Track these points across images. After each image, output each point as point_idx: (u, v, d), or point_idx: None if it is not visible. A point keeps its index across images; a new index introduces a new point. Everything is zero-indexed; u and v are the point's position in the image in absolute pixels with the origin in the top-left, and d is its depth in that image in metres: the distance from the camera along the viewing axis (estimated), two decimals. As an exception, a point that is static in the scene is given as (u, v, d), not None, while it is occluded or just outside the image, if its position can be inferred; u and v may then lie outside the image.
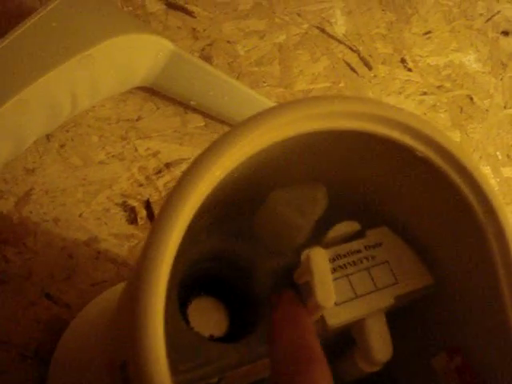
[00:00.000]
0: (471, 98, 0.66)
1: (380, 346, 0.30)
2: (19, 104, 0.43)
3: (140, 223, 0.50)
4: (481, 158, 0.63)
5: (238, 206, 0.29)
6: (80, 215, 0.49)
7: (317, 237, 0.30)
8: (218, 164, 0.22)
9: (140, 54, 0.49)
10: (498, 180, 0.63)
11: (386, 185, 0.29)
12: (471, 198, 0.27)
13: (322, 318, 0.29)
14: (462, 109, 0.65)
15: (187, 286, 0.30)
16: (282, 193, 0.28)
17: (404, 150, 0.26)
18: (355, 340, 0.31)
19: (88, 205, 0.50)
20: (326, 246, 0.30)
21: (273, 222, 0.28)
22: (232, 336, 0.30)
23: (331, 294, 0.26)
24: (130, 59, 0.48)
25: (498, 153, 0.64)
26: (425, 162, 0.26)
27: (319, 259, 0.26)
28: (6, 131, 0.43)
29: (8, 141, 0.44)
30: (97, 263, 0.49)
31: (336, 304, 0.29)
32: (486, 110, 0.66)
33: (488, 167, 0.63)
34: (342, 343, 0.32)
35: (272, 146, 0.24)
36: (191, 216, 0.22)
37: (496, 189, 0.63)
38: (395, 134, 0.25)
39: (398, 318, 0.32)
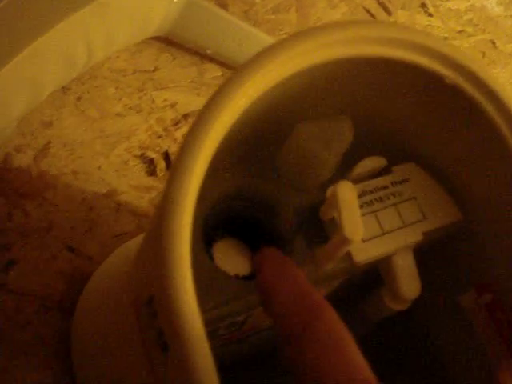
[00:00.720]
0: (494, 43, 0.64)
1: (408, 283, 0.29)
2: (34, 54, 0.42)
3: (159, 175, 0.50)
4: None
5: (262, 143, 0.28)
6: (99, 168, 0.49)
7: (342, 173, 0.29)
8: (241, 92, 0.22)
9: (154, 1, 0.48)
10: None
11: (414, 117, 0.28)
12: (504, 127, 0.26)
13: (349, 255, 0.28)
14: (484, 54, 0.63)
15: (212, 227, 0.30)
16: (307, 126, 0.27)
17: (433, 78, 0.25)
18: (382, 278, 0.30)
19: (106, 157, 0.49)
20: (353, 183, 0.29)
21: (298, 157, 0.28)
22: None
23: (359, 227, 0.25)
24: (144, 7, 0.47)
25: (522, 98, 0.63)
26: (454, 89, 0.25)
27: (346, 192, 0.26)
28: (21, 82, 0.43)
29: (24, 92, 0.44)
30: (117, 215, 0.48)
31: (363, 240, 0.28)
32: (509, 55, 0.64)
33: (512, 113, 0.61)
34: (369, 282, 0.31)
35: (296, 75, 0.23)
36: (215, 148, 0.21)
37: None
38: (423, 61, 0.25)
39: (426, 255, 0.31)
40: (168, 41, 0.53)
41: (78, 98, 0.51)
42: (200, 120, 0.21)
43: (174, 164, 0.21)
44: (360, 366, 0.22)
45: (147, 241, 0.24)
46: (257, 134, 0.27)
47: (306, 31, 0.23)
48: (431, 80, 0.25)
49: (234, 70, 0.22)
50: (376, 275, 0.31)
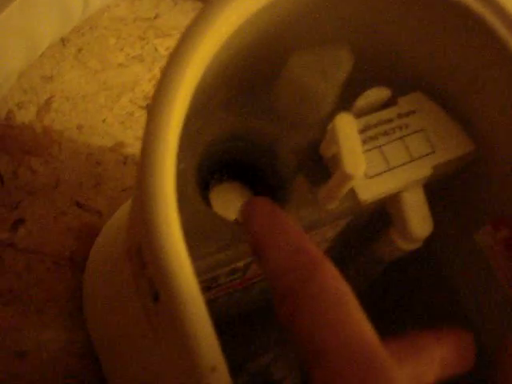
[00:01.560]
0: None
1: (418, 220, 0.28)
2: (26, 4, 0.41)
3: (165, 124, 0.48)
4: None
5: (256, 78, 0.27)
6: (103, 121, 0.47)
7: (344, 107, 0.27)
8: (222, 19, 0.20)
9: None
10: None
11: (419, 41, 0.26)
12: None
13: (354, 194, 0.27)
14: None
15: (208, 171, 0.28)
16: (301, 56, 0.25)
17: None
18: (391, 216, 0.29)
19: (111, 109, 0.48)
20: (355, 117, 0.27)
21: (294, 90, 0.26)
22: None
23: (360, 161, 0.23)
24: (139, -51, 0.45)
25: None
26: (459, 7, 0.23)
27: (346, 125, 0.24)
28: (14, 34, 0.41)
29: (19, 44, 0.42)
30: (124, 168, 0.47)
31: (368, 177, 0.27)
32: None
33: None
34: (380, 221, 0.30)
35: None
36: (196, 80, 0.20)
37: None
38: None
39: (437, 191, 0.29)
40: (168, -14, 0.51)
41: (79, 50, 0.49)
42: (178, 50, 0.20)
43: (153, 99, 0.20)
44: (359, 326, 0.20)
45: (135, 187, 0.22)
46: (250, 69, 0.26)
47: None
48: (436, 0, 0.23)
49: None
50: (385, 214, 0.29)
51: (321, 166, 0.27)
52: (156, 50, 0.51)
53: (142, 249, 0.21)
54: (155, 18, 0.51)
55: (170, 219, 0.19)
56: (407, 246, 0.29)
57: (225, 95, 0.26)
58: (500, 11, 0.23)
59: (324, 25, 0.24)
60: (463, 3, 0.23)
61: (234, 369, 0.26)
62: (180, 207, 0.21)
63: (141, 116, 0.48)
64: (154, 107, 0.20)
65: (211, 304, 0.29)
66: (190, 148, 0.25)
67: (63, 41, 0.48)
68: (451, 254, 0.32)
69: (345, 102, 0.27)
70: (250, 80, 0.26)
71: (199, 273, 0.25)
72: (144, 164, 0.20)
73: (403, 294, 0.35)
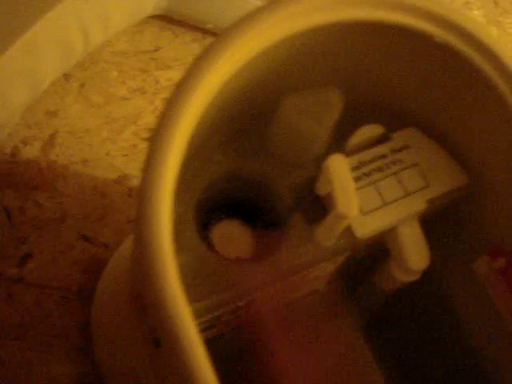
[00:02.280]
0: (507, -10, 0.61)
1: (415, 253, 0.28)
2: (27, 44, 0.42)
3: (168, 156, 0.49)
4: (521, 53, 0.59)
5: (251, 120, 0.27)
6: (107, 154, 0.48)
7: (339, 145, 0.28)
8: (214, 70, 0.20)
9: (149, -22, 0.46)
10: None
11: (409, 80, 0.27)
12: (501, 85, 0.24)
13: (350, 230, 0.27)
14: (496, 3, 0.61)
15: (208, 211, 0.29)
16: (294, 100, 0.26)
17: (421, 38, 0.23)
18: (389, 249, 0.29)
19: (114, 142, 0.49)
20: (350, 154, 0.28)
21: (287, 132, 0.26)
22: (259, 258, 0.28)
23: (354, 201, 0.24)
24: (138, -14, 0.46)
25: (539, 46, 0.60)
26: (446, 48, 0.24)
27: (338, 166, 0.24)
28: (18, 74, 0.42)
29: (23, 84, 0.43)
30: (130, 200, 0.48)
31: (363, 213, 0.27)
32: (524, 2, 0.61)
33: (530, 62, 0.59)
34: (378, 255, 0.30)
35: (279, 44, 0.22)
36: (193, 127, 0.20)
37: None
38: (410, 20, 0.23)
39: (434, 224, 0.30)
40: (168, 19, 0.52)
41: (82, 85, 0.50)
42: (174, 99, 0.20)
43: (148, 150, 0.20)
44: None
45: (134, 238, 0.23)
46: (244, 111, 0.26)
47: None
48: (421, 40, 0.24)
49: (206, 47, 0.21)
50: (384, 247, 0.30)
51: (317, 203, 0.27)
52: (157, 81, 0.51)
53: (141, 296, 0.21)
54: (156, 50, 0.52)
55: (168, 270, 0.20)
56: (406, 278, 0.29)
57: (220, 138, 0.27)
58: (485, 50, 0.24)
59: (315, 70, 0.25)
60: (451, 46, 0.23)
61: None
62: (180, 250, 0.21)
63: (144, 148, 0.49)
64: (150, 157, 0.21)
65: (217, 340, 0.29)
66: (187, 191, 0.26)
67: (66, 76, 0.49)
68: (452, 284, 0.32)
69: (338, 140, 0.28)
70: (245, 123, 0.27)
71: (201, 313, 0.26)
72: (140, 213, 0.20)
73: (406, 325, 0.35)
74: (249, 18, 0.22)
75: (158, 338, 0.21)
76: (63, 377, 0.42)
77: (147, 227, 0.20)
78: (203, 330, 0.27)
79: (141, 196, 0.20)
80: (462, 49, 0.23)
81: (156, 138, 0.20)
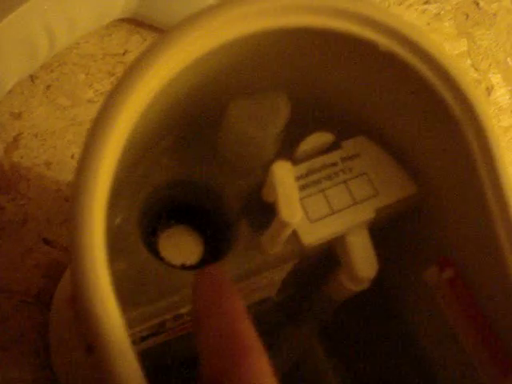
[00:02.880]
0: (477, 4, 0.62)
1: (364, 262, 0.28)
2: (-10, 44, 0.41)
3: (134, 160, 0.49)
4: (490, 65, 0.60)
5: (200, 126, 0.27)
6: (72, 156, 0.48)
7: (288, 152, 0.28)
8: (155, 69, 0.20)
9: (116, -19, 0.46)
10: (510, 88, 0.59)
11: (357, 88, 0.27)
12: (445, 94, 0.24)
13: (297, 237, 0.27)
14: (467, 15, 0.61)
15: (156, 215, 0.28)
16: (239, 105, 0.26)
17: (367, 46, 0.23)
18: (338, 258, 0.29)
19: (79, 145, 0.48)
20: (299, 161, 0.28)
21: (234, 139, 0.26)
22: (205, 264, 0.28)
23: (296, 208, 0.24)
24: (105, -11, 0.46)
25: (508, 59, 0.60)
26: (391, 56, 0.24)
27: (282, 173, 0.24)
28: (-20, 74, 0.42)
29: (-15, 84, 0.43)
30: (93, 204, 0.47)
31: (311, 221, 0.27)
32: (494, 15, 0.62)
33: (499, 75, 0.59)
34: (328, 263, 0.30)
35: (224, 47, 0.22)
36: (128, 131, 0.20)
37: (503, 96, 0.59)
38: (355, 28, 0.23)
39: (384, 233, 0.30)
40: (137, 22, 0.52)
41: (48, 87, 0.50)
42: (108, 102, 0.20)
43: (82, 152, 0.20)
44: None
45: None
46: (191, 116, 0.26)
47: (222, 3, 0.22)
48: (366, 48, 0.24)
49: (143, 50, 0.21)
50: (334, 254, 0.30)
51: (264, 209, 0.27)
52: (125, 85, 0.51)
53: (74, 302, 0.21)
54: (124, 53, 0.52)
55: (98, 274, 0.20)
56: (355, 287, 0.29)
57: (168, 142, 0.27)
58: (428, 58, 0.24)
59: (261, 74, 0.25)
60: (395, 54, 0.23)
61: None
62: (121, 256, 0.21)
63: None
64: (82, 161, 0.20)
65: (163, 347, 0.29)
66: (132, 195, 0.26)
67: (32, 78, 0.49)
68: (402, 293, 0.32)
69: (288, 147, 0.28)
70: (193, 127, 0.27)
71: (144, 319, 0.26)
72: (73, 222, 0.20)
73: (357, 334, 0.35)
74: (197, 17, 0.22)
75: (90, 344, 0.21)
76: (18, 381, 0.42)
77: (77, 233, 0.20)
78: (146, 337, 0.27)
79: (72, 203, 0.20)
80: (406, 57, 0.23)
81: (89, 143, 0.20)
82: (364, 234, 0.28)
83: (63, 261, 0.46)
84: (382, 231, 0.29)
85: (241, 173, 0.27)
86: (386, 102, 0.26)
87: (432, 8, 0.60)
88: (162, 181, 0.27)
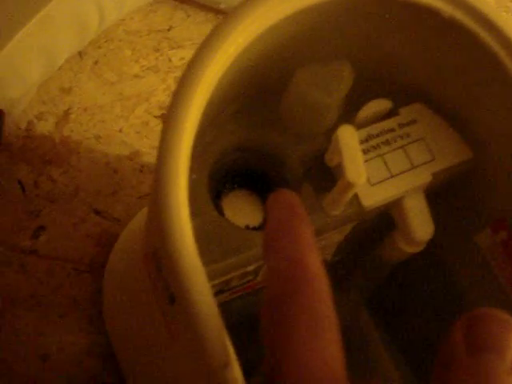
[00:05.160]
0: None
1: (420, 224, 0.29)
2: (44, 20, 0.42)
3: (180, 133, 0.50)
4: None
5: (263, 92, 0.28)
6: (120, 130, 0.49)
7: (348, 119, 0.29)
8: (230, 40, 0.21)
9: (163, -42, 0.47)
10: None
11: (417, 55, 0.28)
12: (506, 59, 0.25)
13: (358, 200, 0.28)
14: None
15: (220, 180, 0.30)
16: (305, 73, 0.27)
17: (430, 13, 0.24)
18: (394, 221, 0.30)
19: (127, 119, 0.50)
20: (358, 127, 0.29)
21: (299, 104, 0.27)
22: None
23: (361, 170, 0.25)
24: (153, -35, 0.47)
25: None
26: (452, 23, 0.24)
27: (347, 136, 0.25)
28: (34, 50, 0.43)
29: (39, 60, 0.44)
30: (141, 176, 0.49)
31: (371, 184, 0.28)
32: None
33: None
34: (384, 226, 0.31)
35: (290, 18, 0.23)
36: (207, 97, 0.21)
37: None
38: (418, -4, 0.24)
39: (439, 196, 0.31)
40: (181, -2, 0.53)
41: (96, 62, 0.51)
42: (190, 70, 0.21)
43: (166, 116, 0.21)
44: (328, 357, 0.18)
45: (151, 196, 0.24)
46: (257, 83, 0.27)
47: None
48: (428, 15, 0.24)
49: (220, 21, 0.22)
50: (390, 218, 0.31)
51: (326, 174, 0.28)
52: (170, 60, 0.52)
53: (158, 253, 0.22)
54: (169, 29, 0.53)
55: (183, 226, 0.21)
56: (410, 249, 0.30)
57: (234, 109, 0.28)
58: (490, 25, 0.25)
59: (326, 43, 0.26)
60: (457, 21, 0.24)
61: (249, 369, 0.27)
62: (193, 215, 0.22)
63: (156, 125, 0.50)
64: (168, 123, 0.22)
65: (225, 306, 0.30)
66: (201, 159, 0.27)
67: (80, 54, 0.50)
68: (454, 256, 0.33)
69: (348, 112, 0.29)
70: (258, 94, 0.28)
71: (212, 276, 0.27)
72: (159, 176, 0.21)
73: (409, 295, 0.36)
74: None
75: (173, 293, 0.22)
76: (74, 345, 0.43)
77: (165, 189, 0.21)
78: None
79: (159, 160, 0.21)
80: (468, 24, 0.24)
81: (174, 103, 0.21)
82: (420, 197, 0.29)
83: (113, 231, 0.47)
84: (436, 195, 0.30)
85: (303, 138, 0.28)
86: (446, 67, 0.27)
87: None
88: (228, 146, 0.28)
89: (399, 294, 0.36)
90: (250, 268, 0.27)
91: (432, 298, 0.35)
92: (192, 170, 0.25)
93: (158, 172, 0.21)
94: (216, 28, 0.22)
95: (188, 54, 0.52)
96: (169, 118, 0.21)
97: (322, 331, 0.19)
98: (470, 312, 0.21)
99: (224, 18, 0.22)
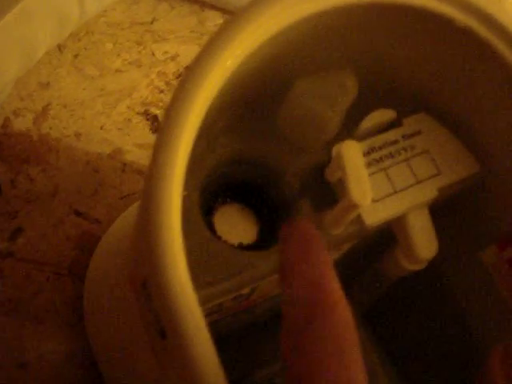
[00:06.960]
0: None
1: (424, 242, 0.27)
2: (22, 13, 0.40)
3: (164, 131, 0.48)
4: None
5: (259, 103, 0.26)
6: (101, 127, 0.47)
7: (349, 130, 0.27)
8: (228, 53, 0.20)
9: None
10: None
11: (424, 64, 0.26)
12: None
13: (360, 218, 0.26)
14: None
15: (212, 194, 0.28)
16: (307, 82, 0.25)
17: (442, 22, 0.23)
18: (397, 237, 0.29)
19: (108, 116, 0.48)
20: (360, 139, 0.27)
21: (298, 116, 0.26)
22: (262, 243, 0.28)
23: (367, 190, 0.23)
24: (136, -46, 0.45)
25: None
26: (466, 32, 0.23)
27: (352, 153, 0.24)
28: (12, 43, 0.41)
29: (16, 53, 0.42)
30: (123, 176, 0.47)
31: (373, 201, 0.26)
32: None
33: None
34: (385, 242, 0.30)
35: (292, 27, 0.21)
36: (205, 109, 0.20)
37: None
38: (430, 4, 0.22)
39: (443, 212, 0.29)
40: (165, -11, 0.51)
41: (76, 56, 0.49)
42: (187, 80, 0.20)
43: (160, 131, 0.19)
44: (352, 381, 0.19)
45: (138, 216, 0.22)
46: (255, 93, 0.25)
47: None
48: (441, 24, 0.23)
49: (218, 30, 0.20)
50: (390, 232, 0.29)
51: (325, 189, 0.27)
52: (153, 54, 0.50)
53: (148, 283, 0.21)
54: (152, 22, 0.51)
55: (177, 257, 0.19)
56: (412, 267, 0.29)
57: (228, 119, 0.26)
58: (506, 35, 0.23)
59: (328, 52, 0.24)
60: (472, 31, 0.23)
61: (239, 379, 0.25)
62: (184, 235, 0.21)
63: (139, 122, 0.48)
64: (162, 137, 0.20)
65: (215, 324, 0.29)
66: (193, 173, 0.25)
67: (60, 47, 0.48)
68: (457, 273, 0.32)
69: (350, 123, 0.27)
70: (255, 104, 0.26)
71: (203, 302, 0.25)
72: (149, 198, 0.19)
73: (408, 311, 0.35)
74: (259, 3, 0.21)
75: (164, 328, 0.20)
76: (53, 353, 0.41)
77: (158, 214, 0.19)
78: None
79: (150, 183, 0.19)
80: (483, 34, 0.23)
81: (170, 115, 0.19)
82: (425, 213, 0.28)
83: (94, 232, 0.45)
84: (439, 209, 0.29)
85: (301, 150, 0.27)
86: (456, 77, 0.26)
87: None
88: (220, 159, 0.26)
89: (397, 309, 0.35)
90: (244, 291, 0.26)
91: (431, 313, 0.34)
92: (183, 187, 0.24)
93: (149, 195, 0.19)
94: (212, 40, 0.20)
95: (172, 47, 0.50)
96: (162, 135, 0.19)
97: (349, 362, 0.19)
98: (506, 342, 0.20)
99: (221, 28, 0.20)
